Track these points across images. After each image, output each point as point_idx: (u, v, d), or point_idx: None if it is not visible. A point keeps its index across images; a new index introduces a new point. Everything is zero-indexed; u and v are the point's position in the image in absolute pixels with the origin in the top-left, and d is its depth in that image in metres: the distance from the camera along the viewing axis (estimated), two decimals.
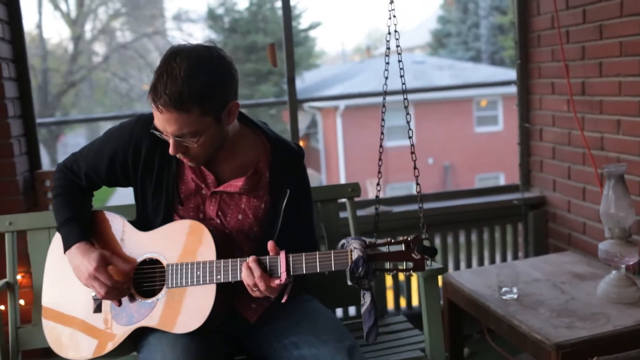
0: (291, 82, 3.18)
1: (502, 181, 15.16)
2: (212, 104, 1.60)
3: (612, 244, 2.26)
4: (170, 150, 1.64)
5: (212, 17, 17.68)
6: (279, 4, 20.44)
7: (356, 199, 2.38)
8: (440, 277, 2.85)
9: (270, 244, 1.62)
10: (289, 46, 3.15)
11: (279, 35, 18.37)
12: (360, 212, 3.10)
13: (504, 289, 2.38)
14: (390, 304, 3.36)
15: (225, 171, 1.78)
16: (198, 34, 19.63)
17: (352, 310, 3.21)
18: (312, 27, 18.82)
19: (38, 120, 3.01)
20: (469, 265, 3.44)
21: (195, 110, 1.58)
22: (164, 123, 1.60)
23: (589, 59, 2.88)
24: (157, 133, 1.65)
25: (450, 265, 3.40)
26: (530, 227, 3.37)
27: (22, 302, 2.36)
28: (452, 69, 17.22)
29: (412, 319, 2.37)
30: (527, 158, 3.49)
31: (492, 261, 3.46)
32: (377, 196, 2.42)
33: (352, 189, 2.30)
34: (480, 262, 3.42)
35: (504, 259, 3.44)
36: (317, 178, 17.79)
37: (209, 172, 1.77)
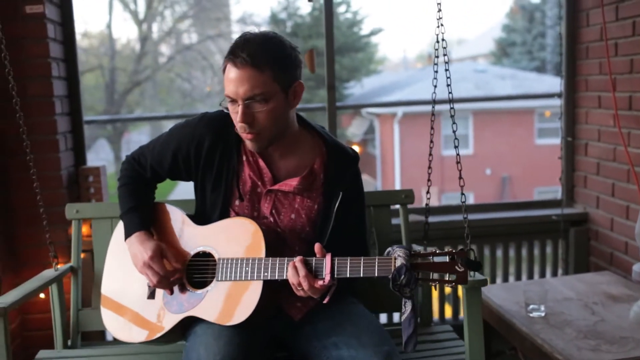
0: (331, 88, 3.20)
1: (559, 195, 14.70)
2: (283, 73, 1.69)
3: None
4: (238, 118, 1.69)
5: (275, 21, 17.90)
6: (341, 10, 20.44)
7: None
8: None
9: (317, 246, 1.66)
10: (330, 53, 3.17)
11: (340, 41, 18.45)
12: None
13: (531, 306, 2.33)
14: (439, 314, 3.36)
15: (282, 170, 1.84)
16: None
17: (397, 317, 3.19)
18: (373, 33, 18.77)
19: (85, 118, 3.13)
20: (505, 280, 3.37)
21: (268, 72, 1.66)
22: (237, 84, 1.66)
23: (637, 73, 2.77)
24: (225, 109, 1.74)
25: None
26: (572, 244, 3.27)
27: None
28: (515, 79, 16.86)
29: (458, 329, 2.33)
30: (571, 173, 3.39)
31: (530, 277, 3.37)
32: (427, 204, 2.41)
33: (406, 196, 2.30)
34: (518, 278, 3.35)
35: (542, 275, 3.35)
36: (372, 184, 17.73)
37: (267, 169, 1.83)
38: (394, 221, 2.32)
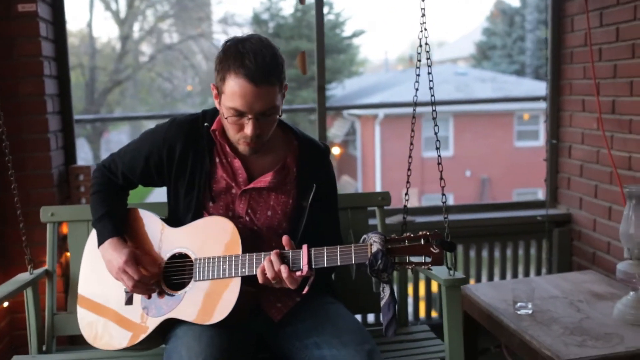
0: (321, 89, 3.24)
1: (540, 197, 14.89)
2: (282, 80, 1.74)
3: (631, 264, 2.25)
4: (250, 131, 1.71)
5: (257, 22, 17.88)
6: (325, 11, 20.53)
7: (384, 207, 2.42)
8: None
9: (285, 239, 1.68)
10: (321, 54, 3.20)
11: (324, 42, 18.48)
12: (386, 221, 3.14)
13: (518, 304, 2.38)
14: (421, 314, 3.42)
15: (256, 168, 1.86)
16: None
17: (371, 317, 3.25)
18: (356, 35, 18.85)
19: (76, 117, 3.13)
20: (490, 279, 3.43)
21: (277, 85, 1.70)
22: (252, 100, 1.67)
23: (620, 78, 2.85)
24: (230, 120, 1.72)
25: (472, 279, 3.39)
26: (555, 245, 3.35)
27: None
28: (495, 82, 17.04)
29: (434, 329, 2.38)
30: (555, 175, 3.46)
31: (515, 276, 3.44)
32: (405, 205, 2.46)
33: (382, 198, 2.34)
34: (503, 277, 3.41)
35: (526, 275, 3.42)
36: (353, 185, 17.79)
37: (243, 169, 1.84)
38: (371, 222, 2.36)
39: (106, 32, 28.54)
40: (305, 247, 1.66)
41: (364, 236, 1.70)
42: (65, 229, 2.74)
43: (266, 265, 1.66)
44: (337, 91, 18.34)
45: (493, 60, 20.58)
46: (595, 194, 3.10)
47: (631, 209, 2.24)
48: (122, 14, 17.62)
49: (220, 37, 19.95)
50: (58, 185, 2.93)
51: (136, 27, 18.44)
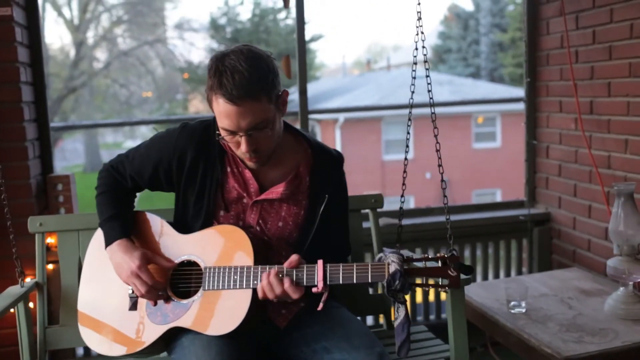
0: (303, 93, 3.23)
1: (498, 197, 15.20)
2: (273, 91, 1.67)
3: (620, 260, 2.30)
4: (244, 148, 1.68)
5: (214, 27, 17.76)
6: (281, 16, 20.45)
7: None
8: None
9: (293, 258, 1.66)
10: (302, 58, 3.20)
11: (281, 47, 18.49)
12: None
13: (512, 303, 2.42)
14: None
15: (268, 178, 1.83)
16: (200, 44, 19.73)
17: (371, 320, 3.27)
18: (314, 39, 18.91)
19: (52, 125, 3.04)
20: (473, 279, 3.47)
21: (263, 98, 1.64)
22: (237, 119, 1.63)
23: (598, 79, 2.92)
24: (225, 139, 1.70)
25: None
26: (535, 243, 3.41)
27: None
28: (452, 85, 17.33)
29: (430, 329, 2.38)
30: (533, 175, 3.53)
31: (496, 276, 3.49)
32: (400, 207, 2.46)
33: (375, 200, 2.35)
34: (485, 277, 3.46)
35: (507, 274, 3.47)
36: None
37: (254, 180, 1.81)
38: (364, 225, 2.36)
39: (59, 38, 27.88)
40: (320, 262, 1.65)
41: (380, 255, 1.70)
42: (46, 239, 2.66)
43: (265, 288, 1.64)
44: (296, 96, 18.36)
45: (449, 64, 20.93)
46: (574, 193, 3.17)
47: (620, 207, 2.30)
48: (76, 20, 17.26)
49: (176, 43, 19.73)
50: (36, 195, 2.83)
51: (90, 33, 18.10)
